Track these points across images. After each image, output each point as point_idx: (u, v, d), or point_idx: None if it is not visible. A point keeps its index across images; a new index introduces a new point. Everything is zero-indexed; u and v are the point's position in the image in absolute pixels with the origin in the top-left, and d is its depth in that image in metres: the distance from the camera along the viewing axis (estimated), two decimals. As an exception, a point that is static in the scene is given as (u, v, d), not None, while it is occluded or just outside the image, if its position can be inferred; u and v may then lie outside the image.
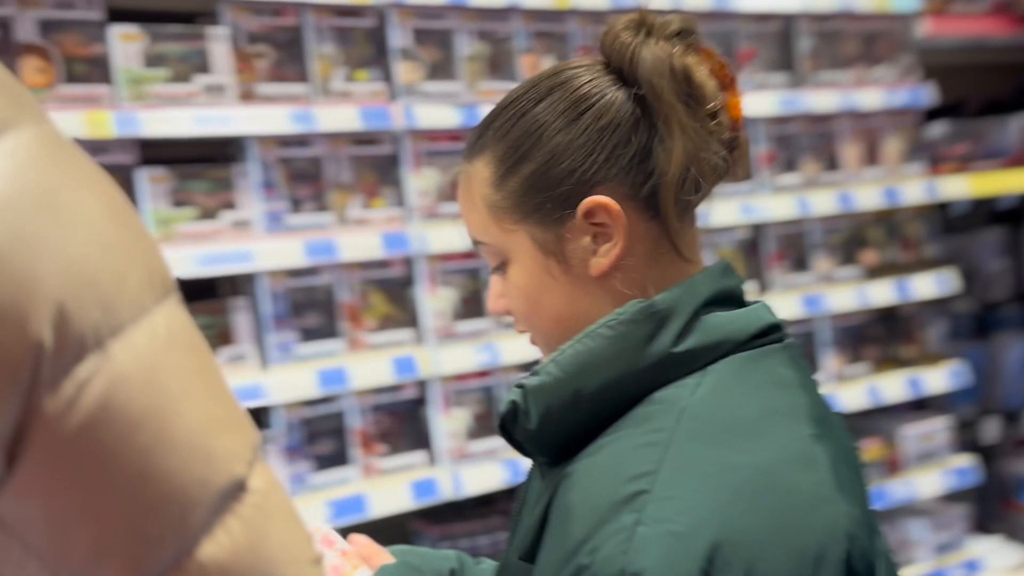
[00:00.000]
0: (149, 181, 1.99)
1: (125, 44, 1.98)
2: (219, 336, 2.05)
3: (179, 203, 2.02)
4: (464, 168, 1.00)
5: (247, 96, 2.09)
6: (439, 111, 2.23)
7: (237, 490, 0.53)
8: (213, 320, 2.04)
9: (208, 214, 2.04)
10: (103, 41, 1.98)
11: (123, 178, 1.99)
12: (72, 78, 1.95)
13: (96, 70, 1.98)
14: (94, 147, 1.96)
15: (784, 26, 2.79)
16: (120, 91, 1.96)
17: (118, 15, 2.02)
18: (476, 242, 1.00)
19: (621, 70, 0.95)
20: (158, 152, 2.04)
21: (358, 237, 2.14)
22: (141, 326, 0.50)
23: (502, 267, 0.99)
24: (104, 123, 1.90)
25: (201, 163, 2.07)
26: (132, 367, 0.49)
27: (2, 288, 0.45)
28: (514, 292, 0.98)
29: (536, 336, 1.00)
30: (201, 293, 2.11)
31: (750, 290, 2.18)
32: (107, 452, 0.48)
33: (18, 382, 0.46)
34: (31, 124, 0.51)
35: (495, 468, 2.23)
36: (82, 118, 1.88)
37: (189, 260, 1.95)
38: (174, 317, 0.54)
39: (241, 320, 2.08)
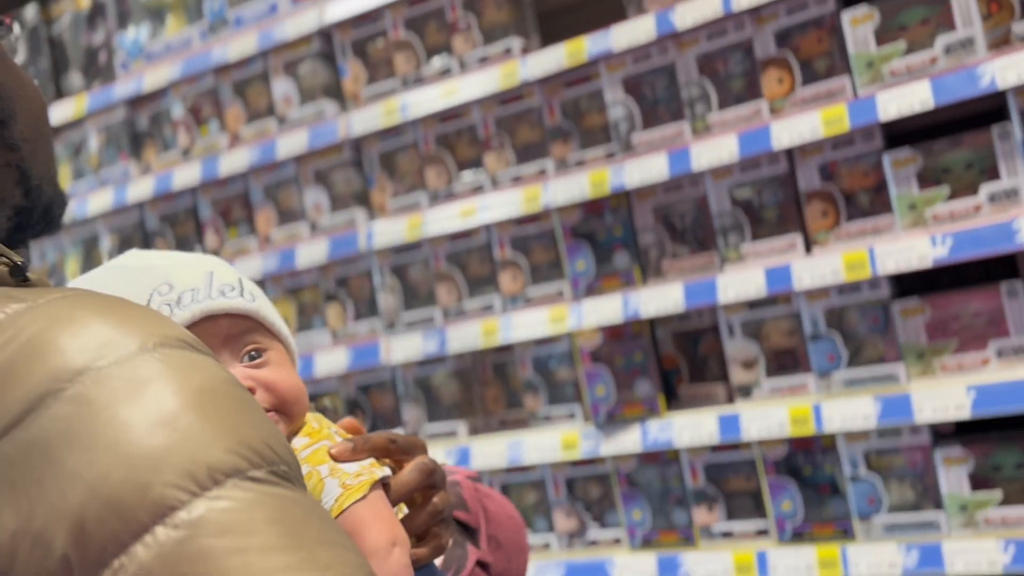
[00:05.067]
0: (893, 166, 1.89)
1: (856, 28, 1.91)
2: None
3: (930, 183, 1.87)
4: None
5: (1000, 43, 1.81)
6: None
7: None
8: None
9: (964, 189, 1.84)
10: (838, 31, 1.94)
11: (869, 167, 1.94)
12: (809, 79, 1.96)
13: (834, 63, 1.95)
14: (835, 143, 1.95)
15: None
16: (856, 78, 1.91)
17: (852, -3, 1.96)
18: None
19: None
20: (906, 128, 1.92)
21: None
22: (166, 522, 0.61)
23: None
24: (840, 118, 1.88)
25: (954, 133, 1.87)
26: (154, 562, 0.61)
27: (37, 517, 0.64)
28: None
29: None
30: (970, 275, 1.91)
31: None
32: None
33: None
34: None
35: None
36: (818, 118, 1.89)
37: (943, 245, 1.80)
38: (220, 502, 0.61)
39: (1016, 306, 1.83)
